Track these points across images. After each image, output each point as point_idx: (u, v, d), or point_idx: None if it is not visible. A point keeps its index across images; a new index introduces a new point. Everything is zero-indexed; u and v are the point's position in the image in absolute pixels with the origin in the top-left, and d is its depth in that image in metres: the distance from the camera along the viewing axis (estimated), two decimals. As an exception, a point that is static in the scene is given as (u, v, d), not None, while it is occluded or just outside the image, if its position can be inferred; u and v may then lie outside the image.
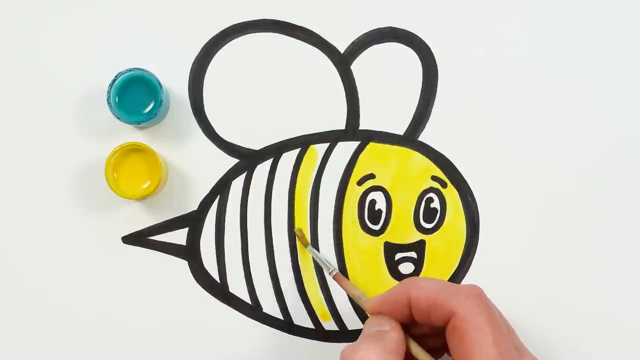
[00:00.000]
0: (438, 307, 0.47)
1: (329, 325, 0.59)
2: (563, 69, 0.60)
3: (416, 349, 0.49)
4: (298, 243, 0.59)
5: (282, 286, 0.59)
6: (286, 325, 0.59)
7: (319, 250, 0.59)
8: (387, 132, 0.60)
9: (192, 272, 0.59)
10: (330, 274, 0.55)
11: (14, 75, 0.59)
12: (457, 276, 0.59)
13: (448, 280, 0.59)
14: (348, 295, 0.59)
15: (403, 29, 0.60)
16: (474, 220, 0.59)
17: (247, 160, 0.59)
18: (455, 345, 0.46)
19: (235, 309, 0.59)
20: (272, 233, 0.59)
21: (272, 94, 0.59)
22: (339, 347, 0.59)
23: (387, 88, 0.60)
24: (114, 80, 0.57)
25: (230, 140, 0.59)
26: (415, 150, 0.60)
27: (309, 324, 0.59)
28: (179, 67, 0.59)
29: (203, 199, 0.59)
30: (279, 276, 0.59)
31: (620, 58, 0.60)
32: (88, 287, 0.59)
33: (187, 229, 0.59)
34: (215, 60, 0.59)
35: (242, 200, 0.59)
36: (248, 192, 0.59)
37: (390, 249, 0.59)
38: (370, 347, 0.47)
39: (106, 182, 0.57)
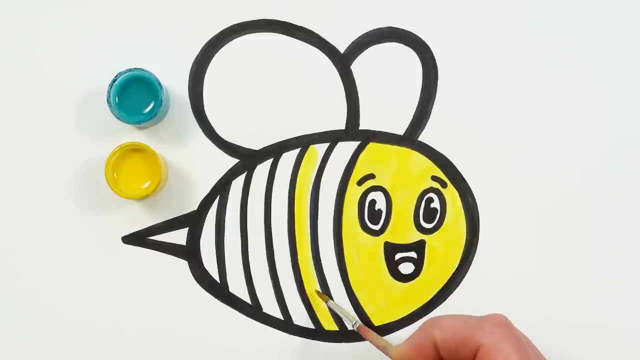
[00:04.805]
0: (464, 342, 0.46)
1: (329, 325, 0.59)
2: (563, 69, 0.60)
3: None
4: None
5: (282, 286, 0.59)
6: (286, 325, 0.59)
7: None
8: (387, 132, 0.60)
9: (192, 272, 0.59)
10: (353, 327, 0.55)
11: (14, 76, 0.59)
12: (457, 276, 0.59)
13: (448, 280, 0.59)
14: (347, 295, 0.59)
15: (403, 29, 0.60)
16: (474, 220, 0.59)
17: (247, 160, 0.59)
18: None
19: (235, 309, 0.59)
20: (272, 233, 0.59)
21: (272, 94, 0.59)
22: (339, 347, 0.59)
23: (387, 88, 0.60)
24: (114, 80, 0.57)
25: (230, 140, 0.59)
26: (415, 150, 0.60)
27: (309, 324, 0.59)
28: (179, 67, 0.59)
29: (203, 199, 0.59)
30: (279, 276, 0.59)
31: (620, 58, 0.60)
32: (88, 287, 0.59)
33: (187, 229, 0.59)
34: (215, 60, 0.59)
35: (242, 200, 0.59)
36: (248, 192, 0.59)
37: (390, 249, 0.59)
38: None
39: (106, 182, 0.57)
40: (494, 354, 0.45)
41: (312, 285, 0.59)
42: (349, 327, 0.55)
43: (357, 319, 0.56)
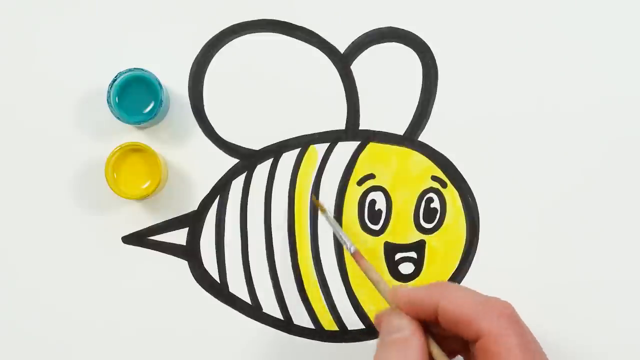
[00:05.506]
0: (466, 323, 0.45)
1: (329, 325, 0.59)
2: (563, 69, 0.60)
3: (436, 351, 0.47)
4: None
5: (282, 286, 0.59)
6: (286, 325, 0.59)
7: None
8: (387, 132, 0.60)
9: (192, 272, 0.59)
10: (348, 249, 0.54)
11: (14, 76, 0.59)
12: (457, 276, 0.59)
13: (448, 280, 0.59)
14: (347, 295, 0.59)
15: (403, 29, 0.60)
16: (474, 220, 0.59)
17: (247, 160, 0.59)
18: None
19: (235, 309, 0.59)
20: (272, 233, 0.59)
21: (272, 94, 0.59)
22: (338, 347, 0.59)
23: (387, 88, 0.60)
24: (114, 80, 0.57)
25: (230, 140, 0.59)
26: (415, 150, 0.60)
27: (309, 324, 0.59)
28: (179, 67, 0.59)
29: (203, 199, 0.59)
30: (279, 276, 0.59)
31: (620, 58, 0.60)
32: (88, 287, 0.59)
33: (187, 229, 0.59)
34: (215, 60, 0.59)
35: (242, 200, 0.59)
36: (248, 192, 0.59)
37: (390, 249, 0.59)
38: None
39: (106, 182, 0.57)
40: (496, 345, 0.44)
41: (312, 285, 0.59)
42: (345, 248, 0.55)
43: (352, 243, 0.54)
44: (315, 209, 0.59)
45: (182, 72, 0.59)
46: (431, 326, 0.48)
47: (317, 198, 0.59)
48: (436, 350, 0.47)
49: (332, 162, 0.59)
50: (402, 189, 0.59)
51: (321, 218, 0.59)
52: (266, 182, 0.59)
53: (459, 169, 0.60)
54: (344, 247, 0.54)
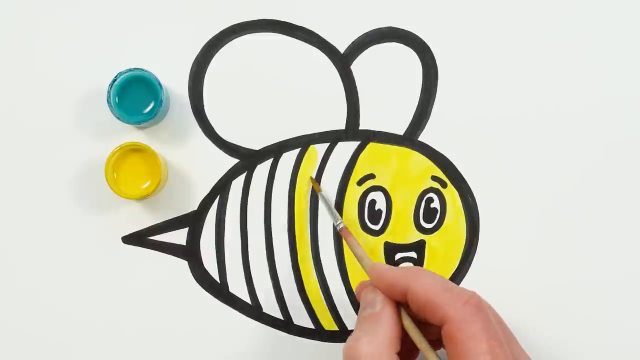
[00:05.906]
0: (433, 309, 0.46)
1: (329, 325, 0.59)
2: (563, 69, 0.60)
3: (407, 323, 0.49)
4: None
5: (282, 286, 0.59)
6: (286, 325, 0.59)
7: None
8: (387, 132, 0.60)
9: (192, 272, 0.59)
10: (337, 226, 0.55)
11: (14, 75, 0.59)
12: (457, 276, 0.59)
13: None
14: (347, 295, 0.59)
15: (403, 29, 0.60)
16: (474, 220, 0.59)
17: (247, 160, 0.59)
18: (450, 351, 0.45)
19: (235, 309, 0.59)
20: (272, 233, 0.59)
21: (272, 94, 0.59)
22: (339, 347, 0.59)
23: (387, 88, 0.60)
24: (114, 80, 0.57)
25: (230, 140, 0.59)
26: (415, 150, 0.60)
27: (309, 324, 0.59)
28: (179, 67, 0.59)
29: (203, 199, 0.59)
30: (279, 276, 0.59)
31: (620, 58, 0.60)
32: (88, 287, 0.59)
33: (187, 229, 0.59)
34: (215, 60, 0.59)
35: (242, 200, 0.59)
36: (248, 192, 0.59)
37: (390, 249, 0.59)
38: (364, 343, 0.47)
39: (106, 182, 0.57)
40: (461, 331, 0.45)
41: (312, 285, 0.59)
42: (334, 224, 0.56)
43: (342, 220, 0.56)
44: (315, 208, 0.59)
45: (182, 72, 0.59)
46: (407, 309, 0.49)
47: (318, 197, 0.59)
48: (407, 322, 0.49)
49: (332, 162, 0.59)
50: (402, 189, 0.59)
51: (321, 220, 0.59)
52: (266, 182, 0.59)
53: (459, 169, 0.60)
54: (334, 223, 0.56)
